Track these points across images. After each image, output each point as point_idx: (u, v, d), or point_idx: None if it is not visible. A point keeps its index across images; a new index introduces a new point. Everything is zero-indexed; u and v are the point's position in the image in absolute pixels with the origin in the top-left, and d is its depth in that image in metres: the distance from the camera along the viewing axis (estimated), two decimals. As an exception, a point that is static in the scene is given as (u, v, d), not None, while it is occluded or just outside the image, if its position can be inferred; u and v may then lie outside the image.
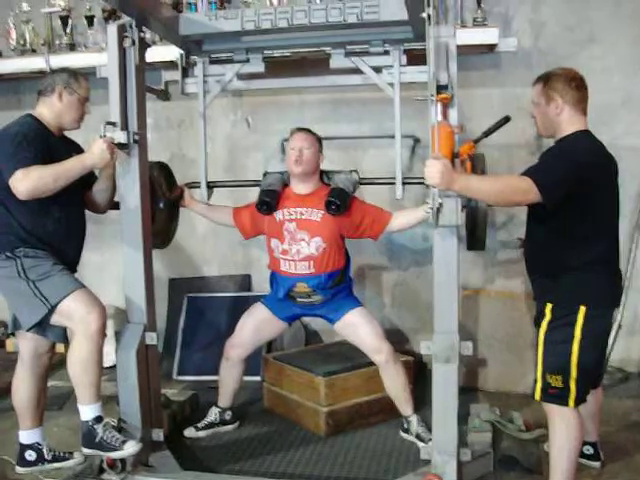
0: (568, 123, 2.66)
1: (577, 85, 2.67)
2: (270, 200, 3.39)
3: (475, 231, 3.11)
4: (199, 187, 3.59)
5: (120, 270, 3.09)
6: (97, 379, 2.87)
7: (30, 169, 2.73)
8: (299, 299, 3.43)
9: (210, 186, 3.57)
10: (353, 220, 3.39)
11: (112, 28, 2.93)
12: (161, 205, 3.49)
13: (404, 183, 3.30)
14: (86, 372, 2.84)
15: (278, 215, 3.40)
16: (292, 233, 3.37)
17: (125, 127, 2.91)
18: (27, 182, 2.71)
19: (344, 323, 3.43)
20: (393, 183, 3.37)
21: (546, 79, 2.70)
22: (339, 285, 3.44)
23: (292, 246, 3.37)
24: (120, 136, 2.87)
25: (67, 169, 2.80)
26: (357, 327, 3.40)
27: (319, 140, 3.47)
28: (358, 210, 3.39)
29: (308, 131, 3.46)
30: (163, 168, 3.56)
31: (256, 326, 3.53)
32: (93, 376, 2.85)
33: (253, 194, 3.49)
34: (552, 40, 4.27)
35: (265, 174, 3.58)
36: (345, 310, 3.41)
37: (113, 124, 2.89)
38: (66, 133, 3.09)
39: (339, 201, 3.29)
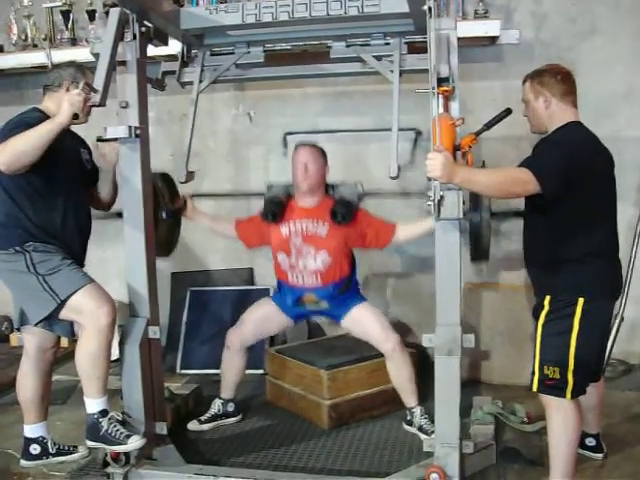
0: (558, 115, 2.70)
1: (563, 78, 2.72)
2: (275, 209, 3.46)
3: (479, 243, 3.15)
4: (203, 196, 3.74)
5: (123, 264, 3.09)
6: (105, 373, 2.88)
7: (7, 141, 2.69)
8: (308, 305, 3.50)
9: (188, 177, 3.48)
10: (358, 231, 3.45)
11: (115, 12, 2.89)
12: (164, 215, 3.51)
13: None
14: (94, 366, 2.85)
15: (284, 230, 3.46)
16: (298, 247, 3.44)
17: (105, 93, 2.77)
18: (3, 154, 2.67)
19: (350, 318, 3.47)
20: (397, 194, 3.43)
21: (533, 76, 2.78)
22: (346, 292, 3.51)
23: (299, 260, 3.44)
24: (97, 98, 2.74)
25: (37, 130, 2.68)
26: (363, 320, 3.44)
27: (324, 154, 3.52)
28: (363, 221, 3.46)
29: (313, 146, 3.51)
30: (166, 178, 3.59)
31: (261, 318, 3.57)
32: (101, 370, 2.86)
33: (256, 201, 3.53)
34: (554, 32, 4.26)
35: (269, 186, 3.64)
36: (350, 306, 3.46)
37: (93, 89, 2.73)
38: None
39: (344, 210, 3.37)
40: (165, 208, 3.49)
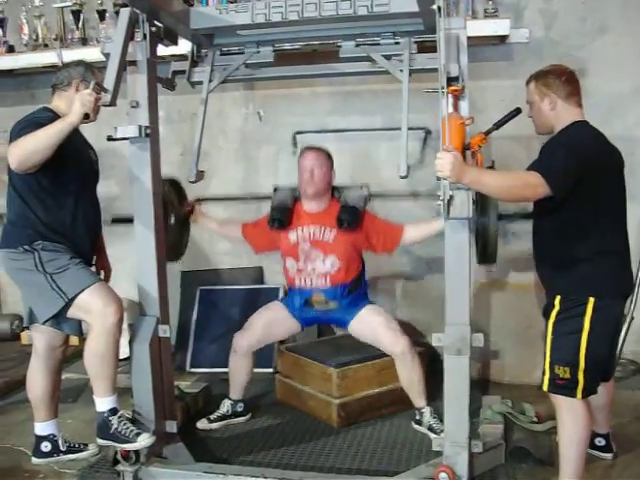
0: (563, 116, 2.71)
1: (567, 79, 2.73)
2: (282, 217, 3.49)
3: (487, 246, 3.15)
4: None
5: (133, 263, 3.10)
6: (113, 372, 2.90)
7: (18, 140, 2.71)
8: (317, 306, 3.50)
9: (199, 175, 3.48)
10: (365, 236, 3.48)
11: (125, 12, 2.90)
12: (172, 221, 3.54)
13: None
14: (103, 365, 2.87)
15: (292, 236, 3.49)
16: (307, 252, 3.47)
17: (116, 93, 2.79)
18: (14, 153, 2.69)
19: (358, 323, 3.48)
20: (403, 196, 3.45)
21: (537, 77, 2.79)
22: (355, 292, 3.52)
23: (307, 264, 3.47)
24: (107, 98, 2.75)
25: (47, 129, 2.70)
26: (371, 325, 3.44)
27: (330, 157, 3.53)
28: (370, 226, 3.48)
29: (318, 149, 3.52)
30: (174, 184, 3.61)
31: (268, 322, 3.58)
32: (109, 369, 2.88)
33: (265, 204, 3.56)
34: (564, 31, 4.24)
35: (275, 190, 3.67)
36: (357, 310, 3.47)
37: (104, 89, 2.74)
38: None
39: (350, 218, 3.40)
40: (173, 213, 3.52)
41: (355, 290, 3.52)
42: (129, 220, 3.11)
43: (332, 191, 3.56)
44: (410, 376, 3.41)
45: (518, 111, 2.81)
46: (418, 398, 3.44)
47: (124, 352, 3.09)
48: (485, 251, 3.10)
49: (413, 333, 4.51)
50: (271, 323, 3.58)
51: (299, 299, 3.52)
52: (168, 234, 3.37)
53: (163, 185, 3.35)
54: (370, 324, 3.45)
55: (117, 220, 3.90)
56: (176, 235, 3.58)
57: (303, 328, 3.67)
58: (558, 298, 2.65)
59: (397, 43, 3.17)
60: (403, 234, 3.46)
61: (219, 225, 3.79)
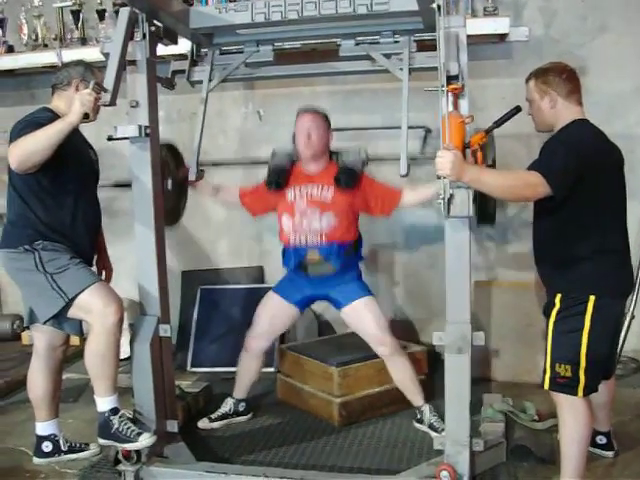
0: (564, 114, 2.70)
1: (568, 77, 2.72)
2: (279, 178, 3.44)
3: (486, 204, 3.05)
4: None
5: (133, 262, 3.11)
6: (114, 372, 2.90)
7: (17, 140, 2.71)
8: (311, 267, 3.42)
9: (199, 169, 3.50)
10: (363, 197, 3.42)
11: (124, 11, 2.90)
12: (169, 185, 3.48)
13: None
14: (103, 365, 2.86)
15: (289, 194, 3.43)
16: (303, 210, 3.39)
17: (115, 93, 2.79)
18: (14, 154, 2.70)
19: (351, 309, 3.43)
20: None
21: (537, 75, 2.76)
22: (349, 256, 3.44)
23: (304, 220, 3.38)
24: (107, 97, 2.76)
25: (47, 129, 2.70)
26: (362, 316, 3.41)
27: (327, 119, 3.48)
28: (367, 187, 3.42)
29: (315, 111, 3.47)
30: (171, 149, 3.57)
31: (270, 315, 3.56)
32: (110, 369, 2.88)
33: (264, 175, 3.53)
34: (564, 29, 4.25)
35: (273, 153, 3.60)
36: (354, 297, 3.42)
37: (103, 89, 2.76)
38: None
39: (348, 176, 3.35)
40: (171, 177, 3.47)
41: (350, 254, 3.45)
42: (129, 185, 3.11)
43: (330, 154, 3.50)
44: (402, 376, 3.41)
45: (518, 109, 2.80)
46: (414, 397, 3.43)
47: (125, 352, 3.09)
48: (485, 211, 3.06)
49: (412, 330, 4.54)
50: (273, 316, 3.56)
51: (294, 259, 3.44)
52: (166, 199, 3.34)
53: (160, 150, 3.32)
54: (360, 317, 3.42)
55: (119, 185, 3.89)
56: (174, 200, 3.54)
57: (301, 311, 3.61)
58: (558, 296, 2.65)
59: (397, 42, 3.17)
60: (401, 197, 3.40)
61: (216, 191, 3.71)
